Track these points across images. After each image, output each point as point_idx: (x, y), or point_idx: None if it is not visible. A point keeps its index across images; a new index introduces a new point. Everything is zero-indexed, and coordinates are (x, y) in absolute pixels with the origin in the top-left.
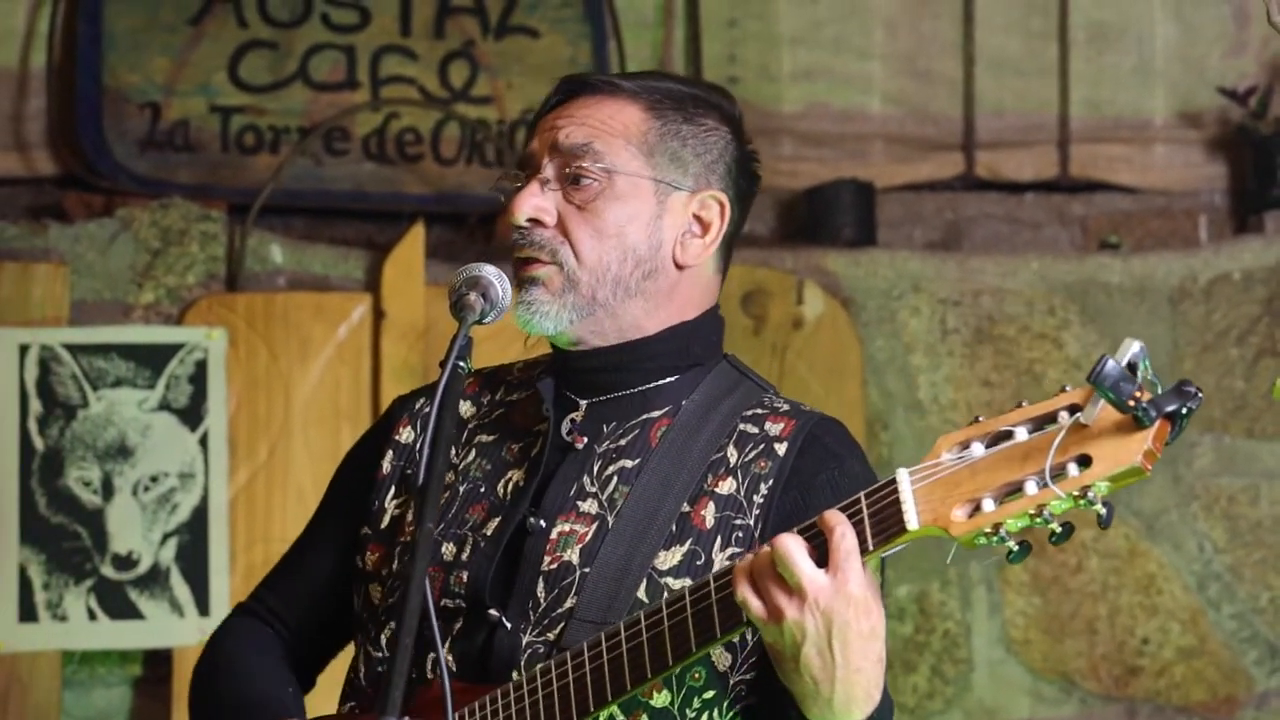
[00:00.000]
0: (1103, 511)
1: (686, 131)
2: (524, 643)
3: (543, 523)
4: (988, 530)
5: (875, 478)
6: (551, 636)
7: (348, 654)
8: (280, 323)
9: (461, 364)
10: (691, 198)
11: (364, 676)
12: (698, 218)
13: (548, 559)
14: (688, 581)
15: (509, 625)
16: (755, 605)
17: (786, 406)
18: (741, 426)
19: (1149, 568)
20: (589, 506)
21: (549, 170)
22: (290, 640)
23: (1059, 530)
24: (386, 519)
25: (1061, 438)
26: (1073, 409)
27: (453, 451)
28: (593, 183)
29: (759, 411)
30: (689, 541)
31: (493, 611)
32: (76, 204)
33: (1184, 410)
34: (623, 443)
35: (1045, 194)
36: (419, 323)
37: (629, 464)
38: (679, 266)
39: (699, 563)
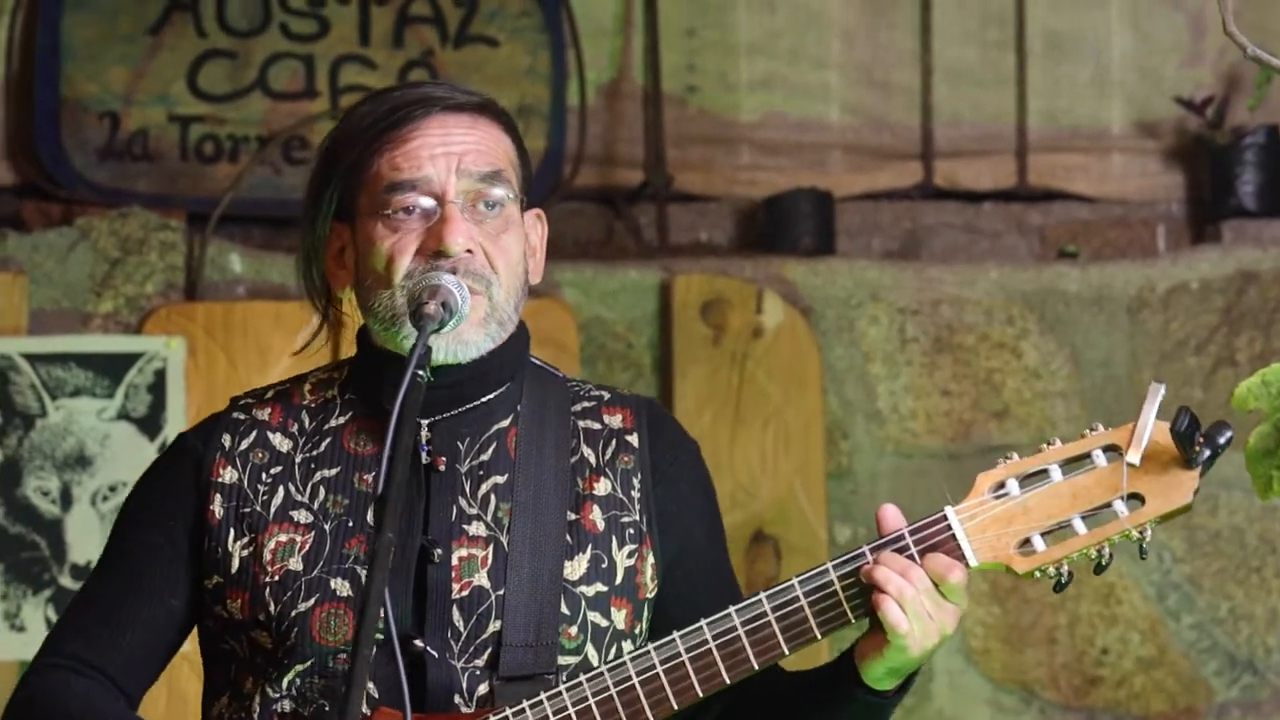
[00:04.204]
0: (1146, 543)
1: (522, 149)
2: (460, 668)
3: (439, 550)
4: (1048, 565)
5: (696, 444)
6: (482, 661)
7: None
8: (239, 332)
9: (421, 373)
10: (525, 217)
11: (259, 717)
12: (526, 236)
13: (457, 586)
14: (600, 587)
15: (435, 655)
16: (904, 627)
17: (607, 394)
18: (581, 424)
19: (1108, 577)
20: (477, 529)
21: (460, 197)
22: (111, 689)
23: (1105, 562)
24: (236, 563)
25: (1126, 480)
26: (1107, 449)
27: (293, 489)
28: (501, 210)
29: (586, 405)
30: (589, 548)
31: (418, 642)
32: (35, 213)
33: (1221, 450)
34: (485, 458)
35: (1003, 203)
36: None
37: (500, 480)
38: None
39: (604, 566)
